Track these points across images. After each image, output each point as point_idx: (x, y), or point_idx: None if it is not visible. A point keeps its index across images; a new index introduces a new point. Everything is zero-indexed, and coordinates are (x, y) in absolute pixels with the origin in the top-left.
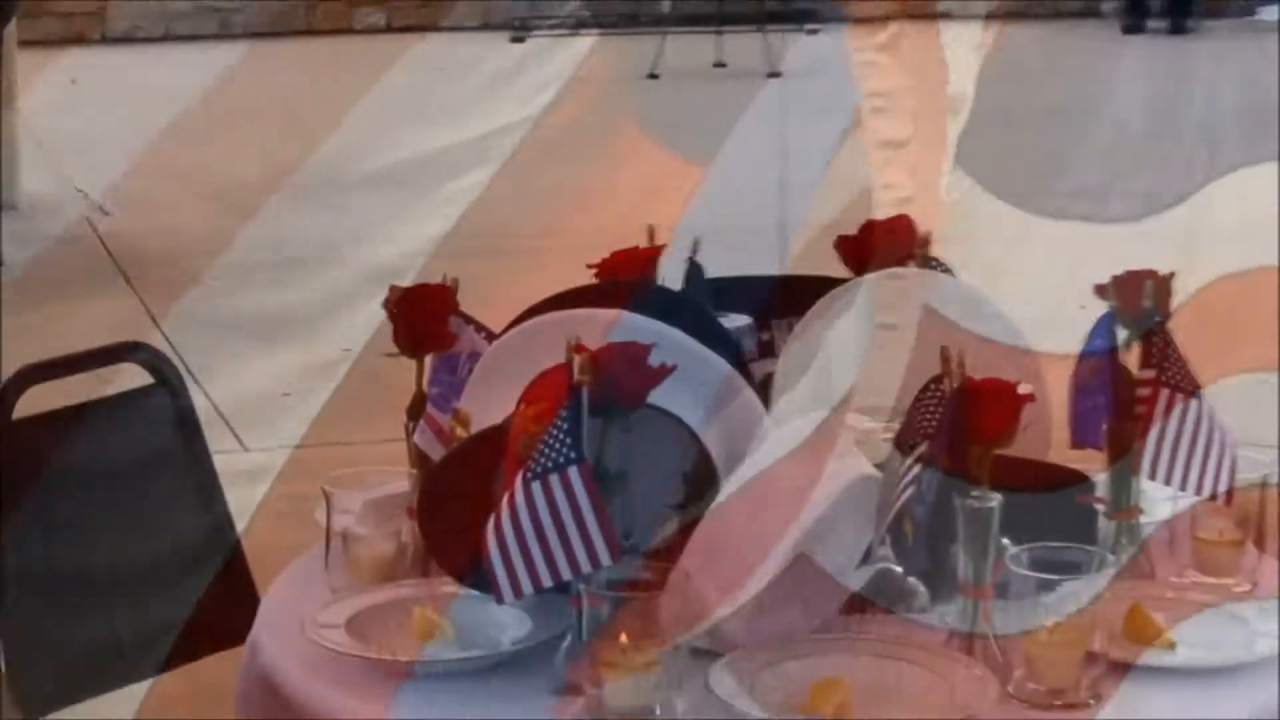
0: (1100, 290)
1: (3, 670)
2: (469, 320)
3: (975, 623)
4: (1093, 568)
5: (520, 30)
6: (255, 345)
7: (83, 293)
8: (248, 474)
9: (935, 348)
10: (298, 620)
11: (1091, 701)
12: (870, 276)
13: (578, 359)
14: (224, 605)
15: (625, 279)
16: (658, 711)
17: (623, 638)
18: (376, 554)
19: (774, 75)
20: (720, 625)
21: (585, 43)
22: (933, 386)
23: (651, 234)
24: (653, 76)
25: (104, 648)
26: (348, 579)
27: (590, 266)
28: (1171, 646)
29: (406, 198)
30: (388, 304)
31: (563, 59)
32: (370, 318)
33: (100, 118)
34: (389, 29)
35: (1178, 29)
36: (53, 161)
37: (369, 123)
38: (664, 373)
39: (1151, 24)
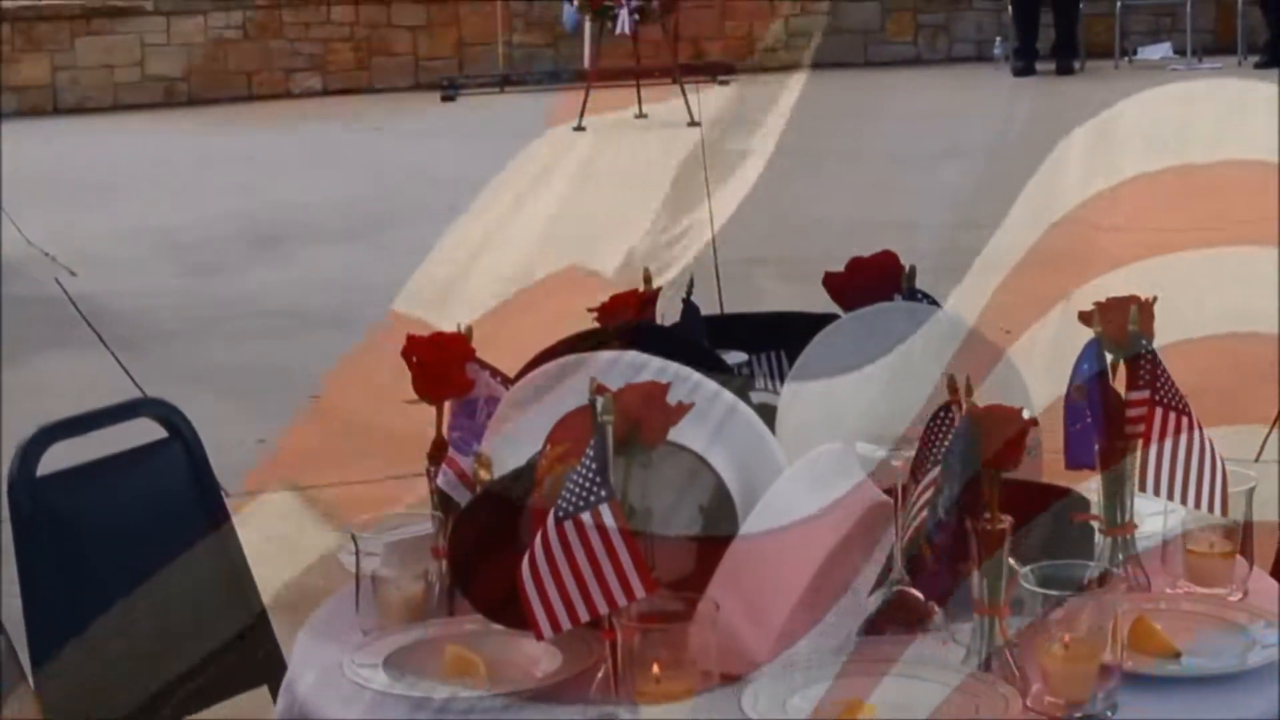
0: (1085, 317)
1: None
2: (485, 366)
3: (992, 640)
4: (1095, 583)
5: (450, 90)
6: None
7: (57, 350)
8: None
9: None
10: (332, 660)
11: (1109, 713)
12: (862, 311)
13: (600, 400)
14: (245, 648)
15: (627, 321)
16: None
17: (656, 667)
18: (405, 595)
19: (694, 125)
20: (744, 650)
21: (513, 99)
22: (941, 414)
23: (647, 277)
24: (579, 129)
25: (131, 693)
26: (378, 619)
27: (591, 310)
28: (1176, 656)
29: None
30: (405, 353)
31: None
32: (336, 364)
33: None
34: (325, 92)
35: (1064, 71)
36: (16, 226)
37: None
38: (682, 410)
39: (1040, 66)
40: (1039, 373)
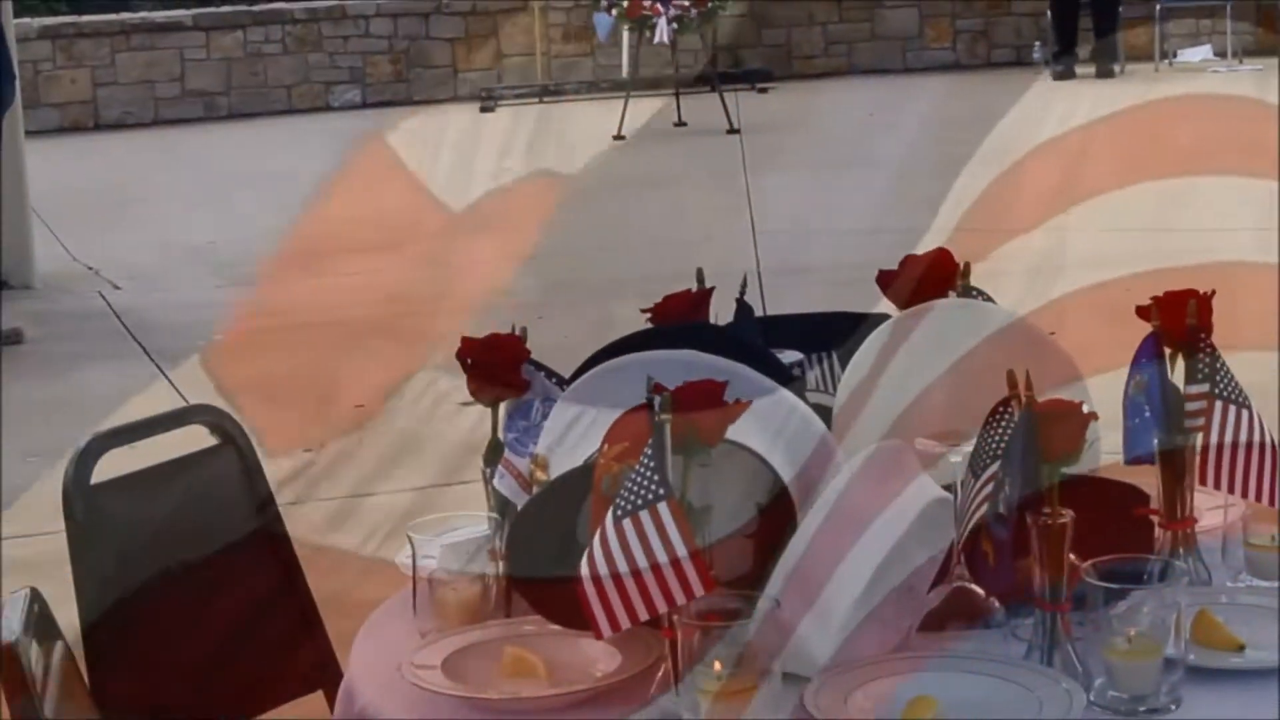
0: (1143, 311)
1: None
2: (540, 367)
3: (1054, 636)
4: (1156, 577)
5: (489, 101)
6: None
7: (100, 362)
8: None
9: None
10: (390, 663)
11: (1173, 706)
12: (916, 308)
13: (658, 399)
14: (299, 654)
15: (682, 321)
16: None
17: (717, 665)
18: (463, 596)
19: (733, 132)
20: (805, 648)
21: (551, 109)
22: (1001, 409)
23: (700, 277)
24: (619, 138)
25: (186, 698)
26: (435, 621)
27: (645, 311)
28: (1239, 649)
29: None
30: (461, 355)
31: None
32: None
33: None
34: (365, 105)
35: (1104, 74)
36: (61, 243)
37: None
38: (740, 409)
39: (1080, 70)
40: None
